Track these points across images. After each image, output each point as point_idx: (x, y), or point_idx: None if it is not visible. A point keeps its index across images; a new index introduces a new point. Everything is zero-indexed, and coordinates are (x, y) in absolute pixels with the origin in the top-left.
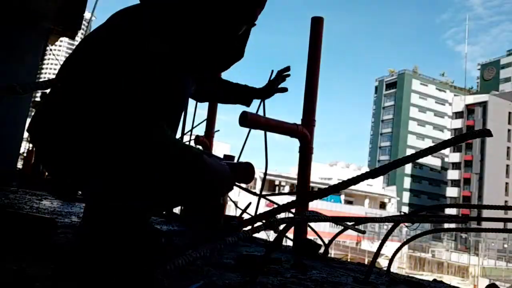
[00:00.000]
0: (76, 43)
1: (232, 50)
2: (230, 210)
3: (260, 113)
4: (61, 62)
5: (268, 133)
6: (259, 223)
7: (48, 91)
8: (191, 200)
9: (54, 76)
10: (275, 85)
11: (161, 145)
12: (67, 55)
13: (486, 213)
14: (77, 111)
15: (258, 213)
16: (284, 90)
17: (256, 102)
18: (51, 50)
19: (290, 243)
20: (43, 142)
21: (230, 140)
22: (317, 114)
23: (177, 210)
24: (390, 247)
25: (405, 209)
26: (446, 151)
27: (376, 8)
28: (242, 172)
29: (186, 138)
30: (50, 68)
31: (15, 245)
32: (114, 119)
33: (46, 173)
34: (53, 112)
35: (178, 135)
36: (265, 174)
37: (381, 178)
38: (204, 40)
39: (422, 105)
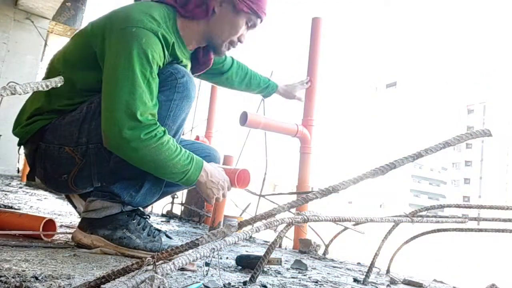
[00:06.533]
0: None
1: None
2: (230, 210)
3: (260, 113)
4: None
5: (268, 133)
6: (259, 223)
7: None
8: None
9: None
10: (296, 90)
11: (166, 158)
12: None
13: (486, 213)
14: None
15: (258, 213)
16: (301, 100)
17: (257, 101)
18: (51, 50)
19: (290, 243)
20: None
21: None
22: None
23: (177, 210)
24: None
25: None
26: (446, 151)
27: (376, 8)
28: (239, 178)
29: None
30: None
31: (15, 245)
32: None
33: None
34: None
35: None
36: (265, 174)
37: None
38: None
39: None
